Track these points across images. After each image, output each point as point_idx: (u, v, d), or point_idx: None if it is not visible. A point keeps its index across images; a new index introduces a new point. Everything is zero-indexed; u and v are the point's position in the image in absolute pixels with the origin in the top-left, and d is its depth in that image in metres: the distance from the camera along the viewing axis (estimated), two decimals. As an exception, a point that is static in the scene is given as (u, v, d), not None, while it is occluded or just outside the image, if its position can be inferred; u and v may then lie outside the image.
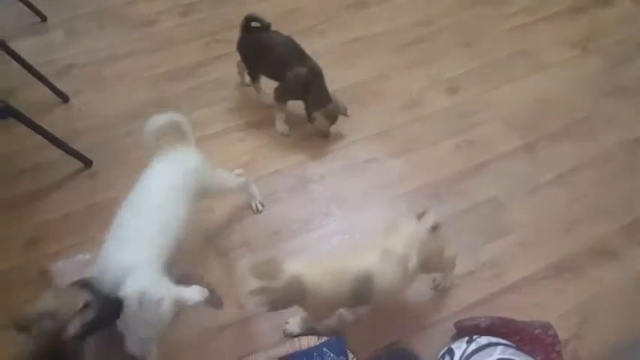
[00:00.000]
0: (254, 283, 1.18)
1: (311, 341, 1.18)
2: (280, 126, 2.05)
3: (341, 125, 2.02)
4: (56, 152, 1.86)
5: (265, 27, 1.95)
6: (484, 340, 1.19)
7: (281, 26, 2.10)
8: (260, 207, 1.80)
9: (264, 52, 1.94)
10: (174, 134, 1.51)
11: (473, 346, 1.19)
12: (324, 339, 1.18)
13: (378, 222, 1.72)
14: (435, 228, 1.33)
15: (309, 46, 1.97)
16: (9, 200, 1.84)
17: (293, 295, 1.20)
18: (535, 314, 1.48)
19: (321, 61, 1.92)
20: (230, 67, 2.25)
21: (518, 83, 2.21)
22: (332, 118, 1.96)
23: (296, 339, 1.23)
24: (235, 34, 2.00)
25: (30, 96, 2.10)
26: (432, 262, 1.37)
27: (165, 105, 2.11)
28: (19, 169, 1.93)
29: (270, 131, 2.04)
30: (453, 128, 2.04)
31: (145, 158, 1.90)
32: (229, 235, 1.74)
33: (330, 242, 1.72)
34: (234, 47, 2.04)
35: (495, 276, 1.62)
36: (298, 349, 1.17)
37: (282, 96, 1.99)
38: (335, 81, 2.15)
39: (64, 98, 2.15)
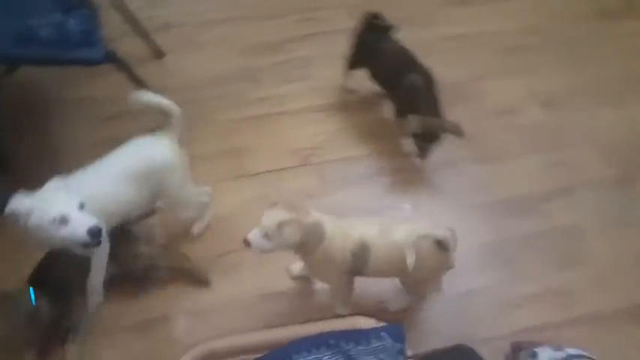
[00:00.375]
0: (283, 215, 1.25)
1: (369, 323, 1.16)
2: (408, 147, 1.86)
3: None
4: (147, 105, 1.93)
5: (386, 28, 1.88)
6: (574, 351, 1.12)
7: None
8: (197, 232, 1.68)
9: (377, 55, 1.87)
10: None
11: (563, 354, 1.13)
12: (382, 323, 1.16)
13: (448, 225, 1.67)
14: (440, 244, 1.28)
15: (406, 37, 1.91)
16: (92, 143, 1.91)
17: (313, 236, 1.28)
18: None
19: (417, 54, 1.87)
20: (319, 47, 2.25)
21: (625, 110, 2.05)
22: (430, 134, 1.72)
23: (354, 318, 1.22)
24: (329, 15, 1.99)
25: (127, 48, 2.17)
26: (418, 273, 1.31)
27: (252, 75, 2.18)
28: (108, 114, 2.01)
29: (349, 116, 2.02)
30: (544, 144, 1.92)
31: (227, 122, 2.00)
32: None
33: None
34: (325, 27, 2.03)
35: (561, 305, 1.53)
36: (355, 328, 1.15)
37: (402, 110, 1.81)
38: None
39: (159, 54, 2.22)
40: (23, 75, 2.11)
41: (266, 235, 1.26)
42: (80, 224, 1.21)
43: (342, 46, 2.23)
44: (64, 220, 1.20)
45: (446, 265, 1.36)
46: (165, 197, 1.50)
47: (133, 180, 1.39)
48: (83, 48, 1.58)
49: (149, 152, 1.43)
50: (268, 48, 2.28)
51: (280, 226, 1.25)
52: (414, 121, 1.70)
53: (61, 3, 1.59)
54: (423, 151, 1.77)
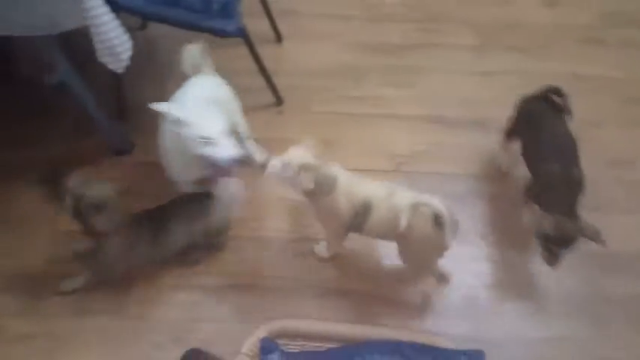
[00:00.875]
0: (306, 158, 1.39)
1: (448, 344, 1.14)
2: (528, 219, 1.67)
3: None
4: (258, 81, 2.00)
5: (562, 109, 1.68)
6: None
7: (500, 39, 2.02)
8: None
9: (540, 131, 1.65)
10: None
11: None
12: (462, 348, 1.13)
13: (537, 267, 1.61)
14: (437, 218, 1.31)
15: (520, 64, 1.85)
16: None
17: (325, 185, 1.40)
18: None
19: (533, 84, 1.80)
20: (433, 59, 2.23)
21: None
22: (564, 238, 1.44)
23: (435, 336, 1.20)
24: (451, 29, 1.96)
25: (252, 26, 2.29)
26: (412, 244, 1.37)
27: (359, 73, 2.20)
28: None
29: (456, 135, 1.98)
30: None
31: (324, 113, 2.04)
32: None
33: (478, 264, 1.64)
34: (444, 40, 2.00)
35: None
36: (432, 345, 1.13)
37: (530, 194, 1.65)
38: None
39: (279, 38, 2.30)
40: (152, 32, 2.30)
41: (285, 168, 1.39)
42: (226, 151, 1.34)
43: (456, 61, 2.22)
44: (212, 143, 1.33)
45: (441, 245, 1.35)
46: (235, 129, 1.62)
47: (217, 105, 1.49)
48: (219, 19, 1.66)
49: (221, 84, 1.61)
50: (381, 50, 2.29)
51: (300, 168, 1.37)
52: (546, 222, 1.45)
53: (211, -26, 1.68)
54: (552, 257, 1.49)
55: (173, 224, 1.48)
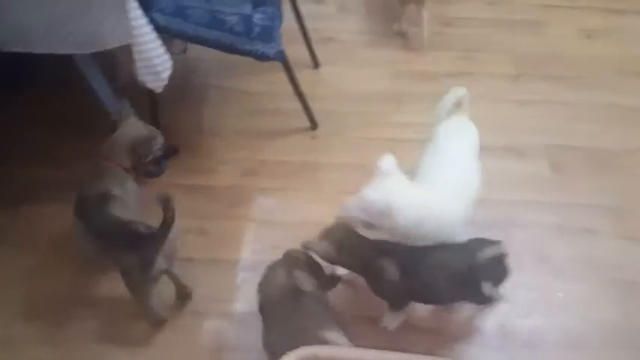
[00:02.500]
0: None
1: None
2: None
3: (568, 181, 1.87)
4: (294, 105, 2.03)
5: None
6: None
7: (538, 69, 2.01)
8: None
9: None
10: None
11: None
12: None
13: (572, 296, 1.57)
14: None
15: (561, 96, 1.83)
16: (245, 131, 2.08)
17: None
18: None
19: (571, 114, 1.78)
20: (472, 86, 2.18)
21: None
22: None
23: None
24: (490, 58, 1.95)
25: (290, 52, 2.36)
26: None
27: (398, 99, 2.21)
28: (264, 108, 2.17)
29: (493, 160, 1.92)
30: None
31: (362, 139, 2.05)
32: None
33: (512, 291, 1.55)
34: (484, 69, 1.99)
35: None
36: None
37: None
38: (581, 137, 2.03)
39: (316, 64, 2.35)
40: (192, 55, 2.38)
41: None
42: None
43: (495, 89, 2.22)
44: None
45: None
46: None
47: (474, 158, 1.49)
48: (260, 42, 1.71)
49: (473, 129, 1.54)
50: (420, 77, 2.30)
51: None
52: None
53: (254, -2, 1.75)
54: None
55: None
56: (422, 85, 2.26)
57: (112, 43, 1.37)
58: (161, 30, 1.61)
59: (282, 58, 1.79)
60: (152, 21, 1.56)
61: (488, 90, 2.22)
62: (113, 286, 1.52)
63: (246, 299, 1.57)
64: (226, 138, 2.06)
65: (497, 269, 1.36)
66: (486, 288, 1.31)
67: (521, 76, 2.28)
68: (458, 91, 1.58)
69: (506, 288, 1.58)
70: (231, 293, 1.61)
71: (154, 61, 1.38)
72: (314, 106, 2.08)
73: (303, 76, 2.25)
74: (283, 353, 0.99)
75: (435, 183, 1.38)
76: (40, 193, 1.86)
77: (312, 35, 2.31)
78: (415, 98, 2.20)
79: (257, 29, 1.68)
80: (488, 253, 1.33)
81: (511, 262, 1.61)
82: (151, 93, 1.57)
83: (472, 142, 1.53)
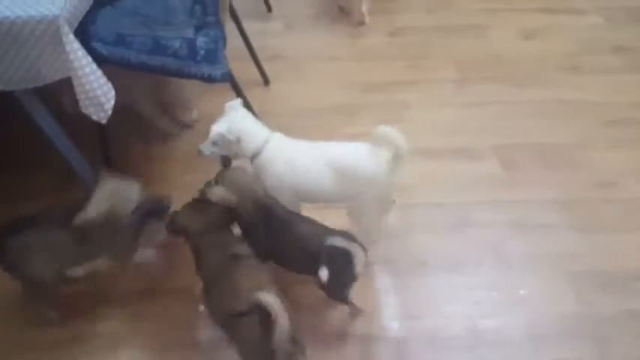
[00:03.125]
0: None
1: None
2: None
3: (519, 179, 1.93)
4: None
5: None
6: None
7: (481, 72, 2.09)
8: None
9: None
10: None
11: None
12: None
13: (534, 292, 1.61)
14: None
15: (505, 96, 1.91)
16: (191, 156, 1.97)
17: None
18: None
19: (516, 112, 1.85)
20: (420, 94, 2.29)
21: None
22: None
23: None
24: (434, 65, 2.00)
25: (239, 70, 2.35)
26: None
27: (349, 110, 2.23)
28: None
29: (444, 163, 2.00)
30: (647, 223, 1.80)
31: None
32: (371, 251, 1.67)
33: (475, 294, 1.61)
34: (429, 75, 2.05)
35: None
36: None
37: None
38: (528, 134, 2.10)
39: (266, 81, 2.35)
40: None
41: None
42: None
43: (441, 94, 2.29)
44: None
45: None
46: (350, 206, 1.58)
47: (336, 172, 1.49)
48: (206, 65, 1.69)
49: (365, 157, 1.50)
50: (369, 88, 2.34)
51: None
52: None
53: (196, 21, 1.73)
54: None
55: None
56: (371, 95, 2.31)
57: (50, 77, 1.32)
58: (103, 60, 1.57)
59: (229, 79, 1.78)
60: (93, 51, 1.53)
61: (435, 95, 2.29)
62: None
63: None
64: (179, 162, 2.03)
65: (342, 264, 1.39)
66: (323, 273, 1.35)
67: (465, 80, 2.35)
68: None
69: (467, 289, 1.62)
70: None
71: (97, 92, 1.34)
72: (266, 122, 2.06)
73: (254, 94, 2.25)
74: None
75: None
76: None
77: (260, 53, 2.32)
78: (365, 108, 2.24)
79: (202, 52, 1.66)
80: (337, 242, 1.39)
81: (473, 261, 1.69)
82: (98, 124, 1.52)
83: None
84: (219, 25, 1.72)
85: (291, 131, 2.10)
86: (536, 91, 2.31)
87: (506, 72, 2.41)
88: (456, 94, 2.30)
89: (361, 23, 2.68)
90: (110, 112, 1.39)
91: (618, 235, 1.76)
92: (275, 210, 1.47)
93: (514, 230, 1.78)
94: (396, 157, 1.48)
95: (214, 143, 1.50)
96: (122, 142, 2.06)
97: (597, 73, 2.40)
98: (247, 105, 1.94)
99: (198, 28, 1.70)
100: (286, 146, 1.57)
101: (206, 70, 1.70)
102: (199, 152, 1.54)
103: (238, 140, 1.48)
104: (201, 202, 1.44)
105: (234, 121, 1.50)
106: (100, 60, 1.54)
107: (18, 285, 1.49)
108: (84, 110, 1.37)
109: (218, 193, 1.42)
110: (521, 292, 1.61)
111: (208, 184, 1.46)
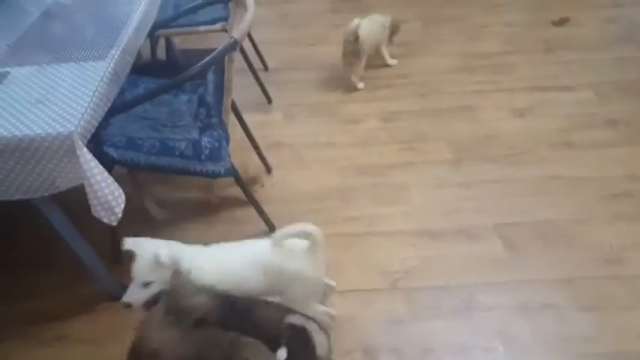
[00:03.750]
0: None
1: None
2: None
3: (521, 258, 1.93)
4: (249, 212, 2.09)
5: None
6: None
7: (476, 152, 2.17)
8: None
9: None
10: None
11: None
12: None
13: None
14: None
15: (502, 174, 1.96)
16: (204, 242, 2.06)
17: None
18: None
19: (513, 191, 1.88)
20: (417, 176, 2.36)
21: None
22: None
23: None
24: (428, 147, 2.09)
25: (243, 159, 2.45)
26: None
27: (347, 194, 2.29)
28: (219, 219, 2.20)
29: (445, 245, 2.02)
30: (656, 299, 1.78)
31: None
32: (377, 338, 1.71)
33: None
34: (425, 157, 2.15)
35: None
36: None
37: None
38: (526, 213, 2.13)
39: (268, 168, 2.44)
40: (143, 175, 2.40)
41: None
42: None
43: (438, 175, 2.36)
44: None
45: None
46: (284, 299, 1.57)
47: (262, 270, 1.51)
48: (210, 163, 1.79)
49: (288, 254, 1.53)
50: (367, 171, 2.42)
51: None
52: None
53: (201, 123, 1.85)
54: None
55: None
56: (368, 178, 2.38)
57: (65, 185, 1.41)
58: (115, 163, 1.67)
59: (232, 173, 1.87)
60: (105, 155, 1.64)
61: (431, 177, 2.36)
62: None
63: None
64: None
65: (301, 343, 1.39)
66: (280, 353, 1.33)
67: (460, 160, 2.43)
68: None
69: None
70: None
71: (107, 197, 1.41)
72: (269, 209, 2.13)
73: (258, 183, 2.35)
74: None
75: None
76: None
77: (262, 142, 2.43)
78: (363, 192, 2.30)
79: (206, 151, 1.76)
80: (296, 320, 1.40)
81: (480, 347, 1.66)
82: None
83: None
84: (223, 126, 1.83)
85: (291, 218, 2.17)
86: (531, 168, 2.37)
87: (501, 150, 2.48)
88: (452, 174, 2.36)
89: (354, 89, 2.99)
90: (120, 215, 1.46)
91: (628, 314, 1.73)
92: (234, 300, 1.46)
93: (520, 312, 1.75)
94: (313, 248, 1.53)
95: (145, 283, 1.42)
96: (134, 232, 2.10)
97: (591, 147, 2.46)
98: (250, 197, 2.02)
99: (202, 129, 1.81)
100: (208, 256, 1.55)
101: (210, 167, 1.79)
102: (126, 306, 1.42)
103: (175, 263, 1.41)
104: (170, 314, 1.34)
105: (159, 247, 1.43)
106: (112, 163, 1.64)
107: None
108: (95, 214, 1.44)
109: (197, 301, 1.37)
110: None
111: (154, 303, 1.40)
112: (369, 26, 2.91)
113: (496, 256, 1.96)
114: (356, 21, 2.82)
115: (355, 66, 2.94)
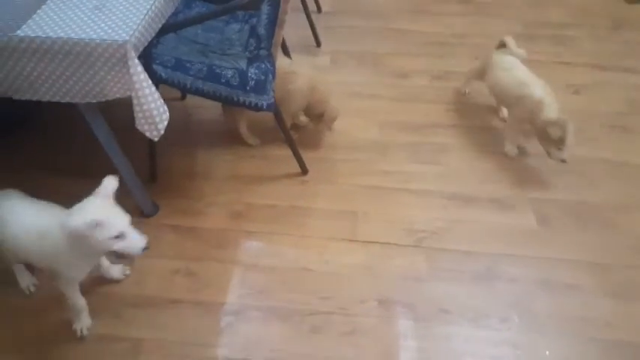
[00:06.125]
0: None
1: None
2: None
3: (553, 235, 1.90)
4: (285, 152, 2.11)
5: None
6: None
7: None
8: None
9: None
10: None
11: None
12: None
13: (558, 354, 1.56)
14: None
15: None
16: (235, 176, 2.13)
17: None
18: None
19: (558, 167, 1.92)
20: (458, 138, 2.30)
21: None
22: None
23: None
24: (475, 111, 2.06)
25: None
26: None
27: (385, 148, 2.27)
28: (255, 154, 2.22)
29: (477, 211, 2.00)
30: (688, 297, 1.73)
31: (350, 186, 2.09)
32: (394, 291, 1.72)
33: (497, 349, 1.58)
34: (470, 121, 2.15)
35: None
36: None
37: None
38: (565, 191, 2.09)
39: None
40: (190, 103, 2.47)
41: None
42: (137, 241, 1.36)
43: (480, 141, 2.30)
44: (122, 236, 1.34)
45: None
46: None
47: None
48: (254, 95, 1.78)
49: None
50: (408, 128, 2.38)
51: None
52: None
53: (250, 54, 1.83)
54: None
55: None
56: (408, 135, 2.34)
57: (113, 94, 1.43)
58: (162, 81, 1.68)
59: (273, 109, 1.85)
60: (153, 73, 1.64)
61: (474, 142, 2.30)
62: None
63: (229, 345, 1.58)
64: (216, 181, 2.11)
65: None
66: None
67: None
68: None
69: (489, 345, 1.59)
70: (215, 338, 1.60)
71: (153, 112, 1.43)
72: (305, 153, 2.14)
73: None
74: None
75: None
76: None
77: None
78: (400, 148, 2.27)
79: (252, 83, 1.75)
80: None
81: (496, 315, 1.66)
82: (149, 140, 1.62)
83: None
84: (271, 59, 1.81)
85: (326, 164, 2.18)
86: (579, 147, 2.25)
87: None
88: (496, 142, 2.29)
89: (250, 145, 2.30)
90: (162, 132, 1.48)
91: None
92: None
93: (544, 288, 1.74)
94: None
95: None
96: (168, 156, 2.16)
97: (645, 134, 2.35)
98: (288, 136, 2.02)
99: (251, 60, 1.79)
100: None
101: (253, 99, 1.78)
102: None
103: None
104: None
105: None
106: (159, 81, 1.65)
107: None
108: (139, 127, 1.46)
109: None
110: (547, 352, 1.57)
111: None
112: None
113: (527, 229, 1.93)
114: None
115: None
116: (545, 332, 1.63)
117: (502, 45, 2.36)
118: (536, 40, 2.95)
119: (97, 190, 1.35)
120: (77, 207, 1.33)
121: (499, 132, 2.34)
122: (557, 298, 1.71)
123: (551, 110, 2.05)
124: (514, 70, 2.22)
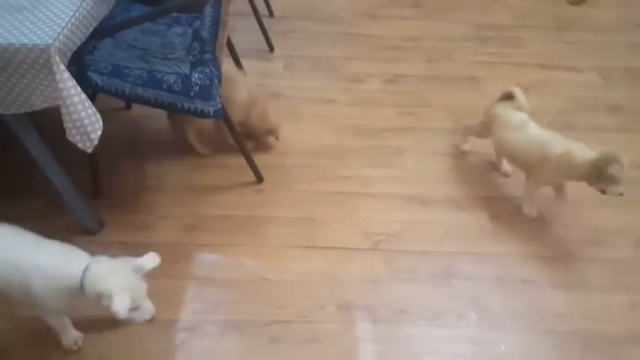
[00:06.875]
0: None
1: None
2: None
3: (506, 231, 1.92)
4: (239, 161, 2.04)
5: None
6: None
7: (472, 121, 2.19)
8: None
9: None
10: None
11: None
12: None
13: (515, 348, 1.57)
14: None
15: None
16: (187, 187, 2.05)
17: None
18: None
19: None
20: (413, 141, 2.30)
21: None
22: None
23: None
24: (429, 113, 2.03)
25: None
26: None
27: (340, 153, 2.25)
28: (208, 163, 2.15)
29: (433, 212, 2.00)
30: (637, 284, 1.77)
31: (306, 192, 2.06)
32: (353, 295, 1.69)
33: (455, 347, 1.57)
34: (424, 124, 2.09)
35: None
36: None
37: None
38: (516, 189, 2.09)
39: (262, 118, 2.38)
40: (136, 113, 2.35)
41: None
42: (146, 313, 1.34)
43: (434, 142, 2.31)
44: (136, 308, 1.29)
45: None
46: None
47: None
48: (199, 100, 1.73)
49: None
50: (363, 132, 2.36)
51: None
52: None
53: (193, 58, 1.78)
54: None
55: None
56: (363, 139, 2.32)
57: (40, 104, 1.35)
58: (98, 89, 1.61)
59: (221, 114, 1.80)
60: (89, 81, 1.57)
61: (428, 144, 2.31)
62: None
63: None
64: (167, 193, 2.02)
65: None
66: None
67: (459, 130, 2.36)
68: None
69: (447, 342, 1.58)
70: (169, 356, 1.53)
71: (84, 122, 1.35)
72: (260, 160, 2.08)
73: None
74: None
75: None
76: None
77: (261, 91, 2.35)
78: (357, 152, 2.25)
79: (196, 88, 1.69)
80: None
81: (454, 313, 1.65)
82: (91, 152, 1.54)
83: None
84: (216, 63, 1.76)
85: (283, 171, 2.14)
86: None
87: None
88: (448, 143, 2.31)
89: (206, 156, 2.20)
90: (96, 142, 1.41)
91: (603, 296, 1.73)
92: None
93: (497, 284, 1.75)
94: None
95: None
96: (113, 169, 2.07)
97: (591, 131, 2.41)
98: (240, 144, 1.97)
99: (194, 65, 1.74)
100: None
101: (199, 105, 1.73)
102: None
103: None
104: None
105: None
106: (95, 89, 1.58)
107: None
108: (70, 138, 1.39)
109: None
110: (503, 347, 1.58)
111: None
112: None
113: (481, 227, 1.94)
114: None
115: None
116: (502, 327, 1.63)
117: (507, 97, 2.05)
118: (486, 42, 3.02)
119: (133, 260, 1.33)
120: (100, 269, 1.29)
121: (450, 134, 2.35)
122: (512, 292, 1.72)
123: (584, 151, 1.80)
124: (528, 129, 1.94)
